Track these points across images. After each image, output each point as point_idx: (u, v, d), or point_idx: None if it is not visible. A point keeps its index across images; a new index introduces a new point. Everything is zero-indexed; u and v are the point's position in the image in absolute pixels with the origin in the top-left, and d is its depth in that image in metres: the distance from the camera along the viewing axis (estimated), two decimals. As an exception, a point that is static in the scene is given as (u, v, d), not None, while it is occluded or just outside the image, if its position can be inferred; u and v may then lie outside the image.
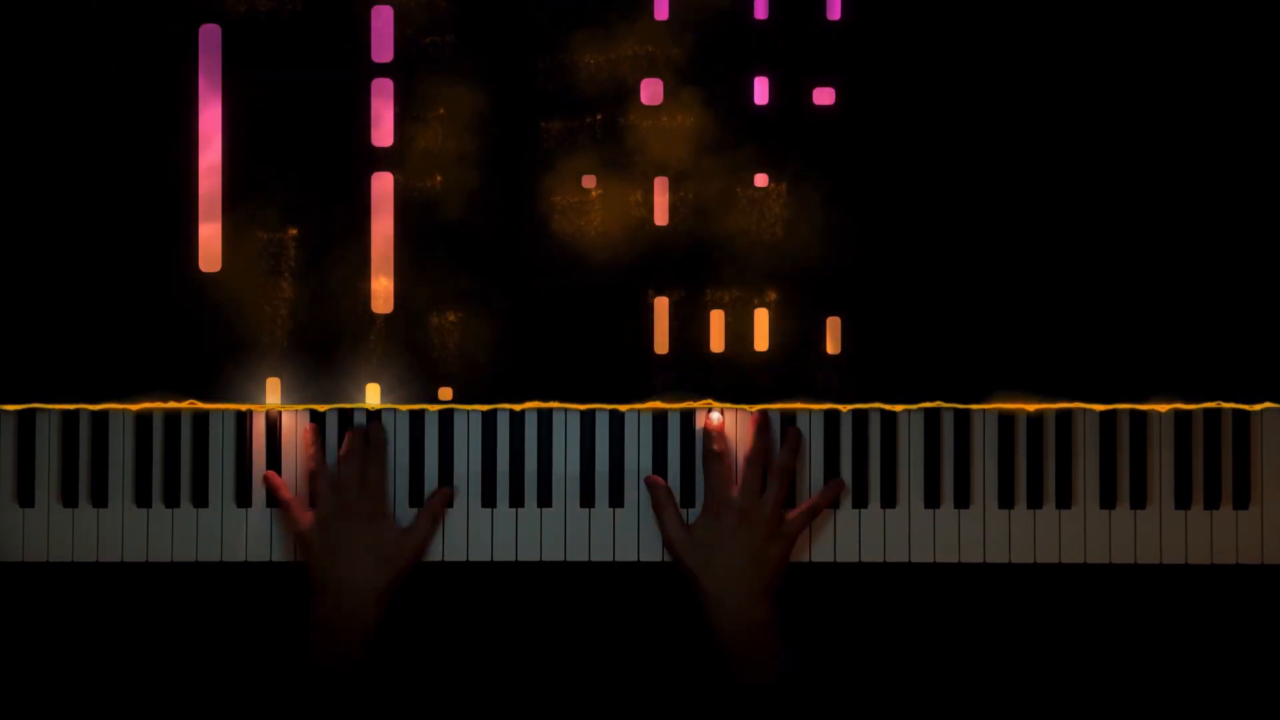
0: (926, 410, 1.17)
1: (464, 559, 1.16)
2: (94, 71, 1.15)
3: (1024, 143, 1.15)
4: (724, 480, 1.12)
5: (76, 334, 1.15)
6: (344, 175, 1.15)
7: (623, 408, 1.16)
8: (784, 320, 1.16)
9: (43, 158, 1.14)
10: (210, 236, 1.15)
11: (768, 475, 1.12)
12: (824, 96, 1.15)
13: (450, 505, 1.16)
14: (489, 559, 1.16)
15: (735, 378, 1.16)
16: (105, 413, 1.15)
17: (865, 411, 1.17)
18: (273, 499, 1.15)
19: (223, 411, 1.16)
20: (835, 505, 1.16)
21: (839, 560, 1.16)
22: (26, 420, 1.15)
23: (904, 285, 1.16)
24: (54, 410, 1.15)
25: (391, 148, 1.15)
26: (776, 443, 1.15)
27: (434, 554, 1.16)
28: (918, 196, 1.15)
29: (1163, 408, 1.16)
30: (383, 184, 1.15)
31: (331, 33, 1.15)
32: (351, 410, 1.16)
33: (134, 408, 1.15)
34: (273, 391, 1.15)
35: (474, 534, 1.16)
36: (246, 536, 1.16)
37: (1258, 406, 1.16)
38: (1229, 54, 1.15)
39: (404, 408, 1.16)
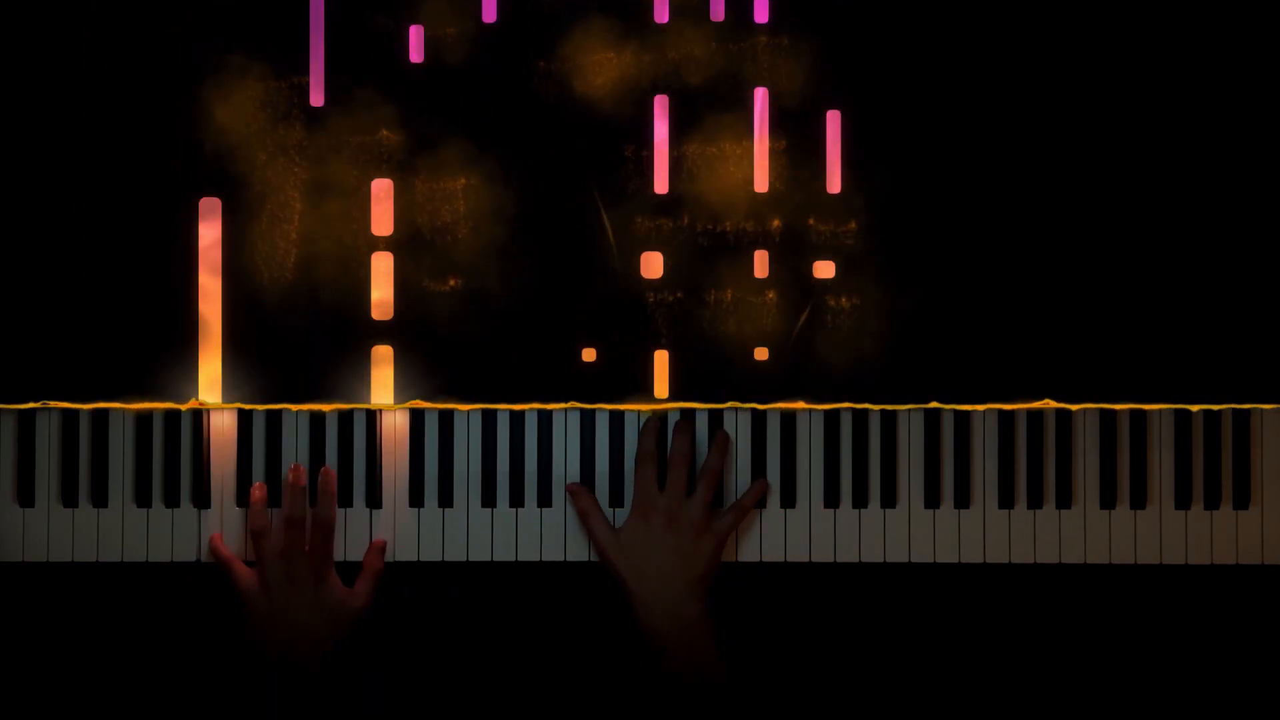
0: (926, 410, 1.17)
1: (464, 559, 1.16)
2: (94, 71, 1.15)
3: (1027, 150, 1.16)
4: (651, 482, 1.13)
5: (76, 334, 1.14)
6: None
7: (623, 408, 1.16)
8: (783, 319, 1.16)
9: (43, 157, 1.14)
10: (210, 236, 1.15)
11: (696, 477, 1.14)
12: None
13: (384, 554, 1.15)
14: (489, 559, 1.16)
15: (737, 380, 1.16)
16: (105, 412, 1.15)
17: (865, 411, 1.17)
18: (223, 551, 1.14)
19: (223, 411, 1.16)
20: (762, 505, 1.16)
21: (839, 560, 1.16)
22: (26, 420, 1.15)
23: (904, 285, 1.16)
24: (54, 410, 1.15)
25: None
26: (696, 443, 1.15)
27: (434, 554, 1.16)
28: (917, 194, 1.15)
29: (1163, 408, 1.16)
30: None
31: None
32: (352, 411, 1.16)
33: (134, 408, 1.15)
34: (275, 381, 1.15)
35: (474, 534, 1.16)
36: (247, 537, 1.15)
37: (1258, 406, 1.16)
38: (1227, 56, 1.15)
39: (403, 407, 1.16)
